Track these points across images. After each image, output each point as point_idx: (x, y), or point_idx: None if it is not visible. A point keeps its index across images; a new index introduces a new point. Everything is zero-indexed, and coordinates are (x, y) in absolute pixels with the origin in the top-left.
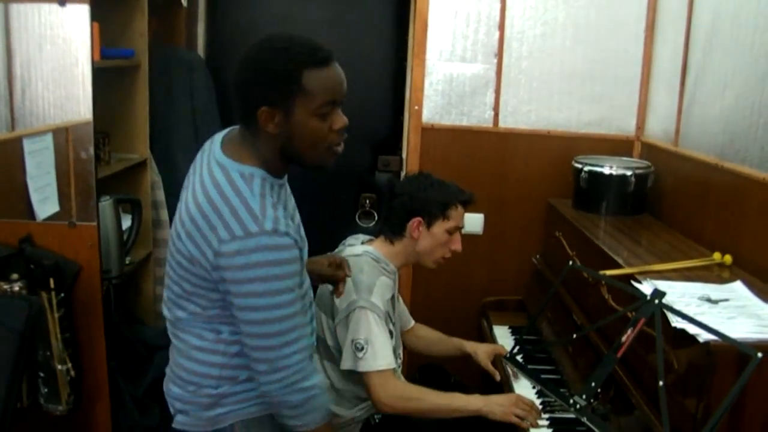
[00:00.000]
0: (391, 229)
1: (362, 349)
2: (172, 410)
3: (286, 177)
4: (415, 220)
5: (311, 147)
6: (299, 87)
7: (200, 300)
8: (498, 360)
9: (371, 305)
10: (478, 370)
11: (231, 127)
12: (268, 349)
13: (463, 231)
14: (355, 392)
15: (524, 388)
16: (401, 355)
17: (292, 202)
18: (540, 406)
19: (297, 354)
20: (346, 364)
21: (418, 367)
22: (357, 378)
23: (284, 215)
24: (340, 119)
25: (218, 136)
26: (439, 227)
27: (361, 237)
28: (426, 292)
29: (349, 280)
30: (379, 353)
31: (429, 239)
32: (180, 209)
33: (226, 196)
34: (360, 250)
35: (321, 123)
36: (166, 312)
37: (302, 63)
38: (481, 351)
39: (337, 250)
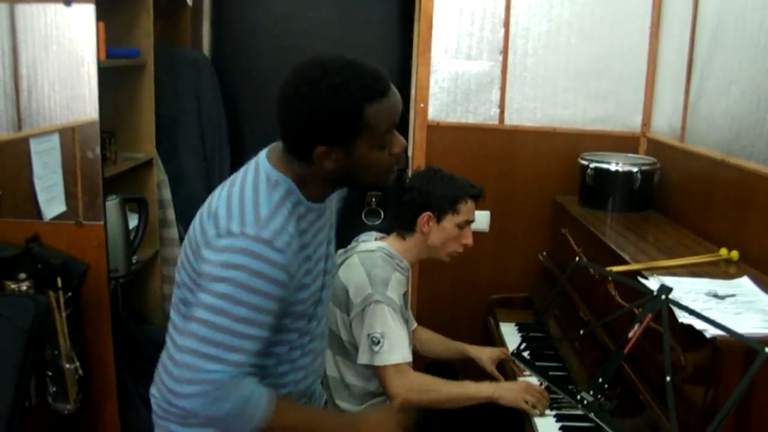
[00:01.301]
0: (401, 224)
1: (378, 342)
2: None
3: (326, 203)
4: (425, 215)
5: (372, 174)
6: (361, 124)
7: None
8: (503, 363)
9: (387, 299)
10: (482, 374)
11: (279, 143)
12: (189, 352)
13: (470, 229)
14: (367, 388)
15: None
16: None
17: (325, 233)
18: (552, 412)
19: (208, 373)
20: (362, 358)
21: (426, 365)
22: (370, 374)
23: (296, 236)
24: (399, 142)
25: (266, 149)
26: (449, 221)
27: (375, 234)
28: (432, 290)
29: (363, 275)
30: (395, 347)
31: (439, 234)
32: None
33: (243, 191)
34: (374, 246)
35: (382, 152)
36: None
37: (364, 98)
38: (485, 356)
39: (350, 247)
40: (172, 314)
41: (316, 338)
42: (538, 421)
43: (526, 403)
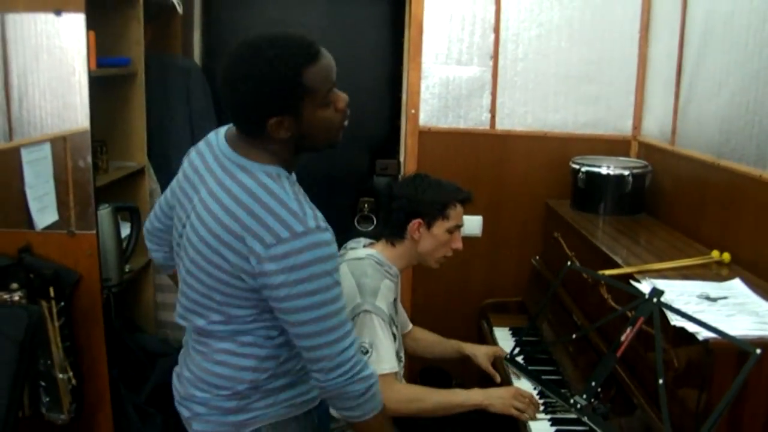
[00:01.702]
0: (391, 231)
1: (367, 352)
2: (188, 415)
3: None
4: (415, 222)
5: (324, 134)
6: (303, 88)
7: (233, 309)
8: (498, 361)
9: (376, 309)
10: (478, 372)
11: (227, 126)
12: (326, 345)
13: (462, 233)
14: None
15: (525, 388)
16: (403, 358)
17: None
18: (542, 407)
19: (353, 346)
20: None
21: (420, 370)
22: None
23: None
24: (341, 98)
25: (217, 136)
26: (440, 227)
27: (363, 240)
28: (426, 295)
29: (353, 284)
30: (383, 357)
31: (430, 240)
32: (198, 216)
33: (260, 199)
34: (363, 254)
35: (327, 110)
36: (182, 321)
37: (299, 64)
38: (480, 353)
39: (339, 254)
40: (193, 321)
41: None
42: (533, 425)
43: (516, 409)
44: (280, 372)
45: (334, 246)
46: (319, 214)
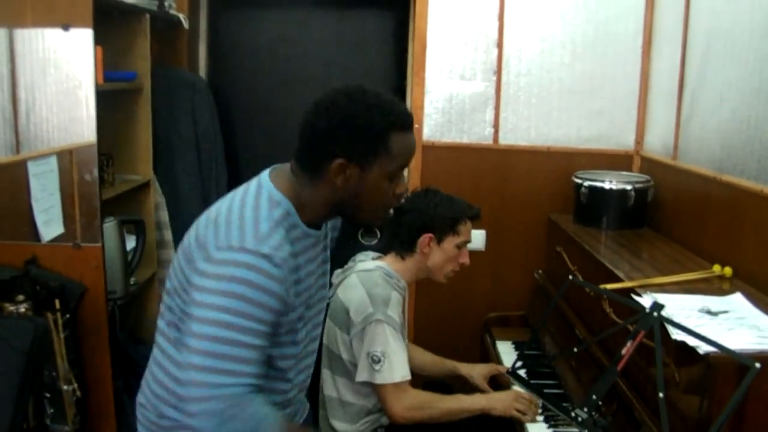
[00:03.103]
0: (401, 245)
1: (379, 361)
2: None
3: (322, 232)
4: (426, 236)
5: (374, 207)
6: (385, 147)
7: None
8: (496, 377)
9: (388, 318)
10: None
11: (283, 164)
12: (210, 371)
13: (467, 249)
14: (365, 406)
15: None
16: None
17: (316, 263)
18: (540, 408)
19: (235, 389)
20: (361, 376)
21: (422, 384)
22: (368, 391)
23: (291, 256)
24: (403, 185)
25: (270, 169)
26: (450, 242)
27: (371, 254)
28: (429, 309)
29: (364, 294)
30: (395, 366)
31: (440, 254)
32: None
33: (243, 208)
34: (372, 266)
35: (389, 185)
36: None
37: (393, 124)
38: (476, 373)
39: (347, 266)
40: (160, 323)
41: (302, 359)
42: (531, 425)
43: (517, 411)
44: None
45: (274, 283)
46: (284, 254)
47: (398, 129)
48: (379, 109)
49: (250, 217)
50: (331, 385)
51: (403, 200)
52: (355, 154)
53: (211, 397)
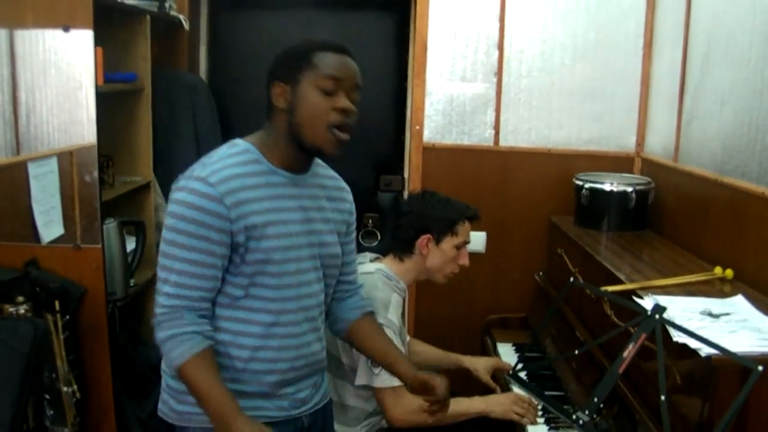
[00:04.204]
0: (399, 247)
1: (378, 365)
2: None
3: (306, 176)
4: (425, 238)
5: (310, 122)
6: (308, 62)
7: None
8: (499, 374)
9: (388, 322)
10: (479, 385)
11: None
12: (159, 281)
13: (467, 250)
14: (365, 409)
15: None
16: None
17: (305, 206)
18: (542, 420)
19: (164, 297)
20: (361, 379)
21: None
22: (368, 395)
23: (239, 177)
24: (343, 100)
25: None
26: (448, 243)
27: (369, 255)
28: (429, 310)
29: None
30: None
31: (438, 255)
32: None
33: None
34: (372, 268)
35: (322, 98)
36: None
37: (317, 45)
38: (480, 366)
39: None
40: None
41: (301, 313)
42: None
43: (516, 414)
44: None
45: (205, 201)
46: (223, 174)
47: (324, 50)
48: (307, 40)
49: (205, 158)
50: (332, 388)
51: (351, 119)
52: (286, 75)
53: (157, 305)
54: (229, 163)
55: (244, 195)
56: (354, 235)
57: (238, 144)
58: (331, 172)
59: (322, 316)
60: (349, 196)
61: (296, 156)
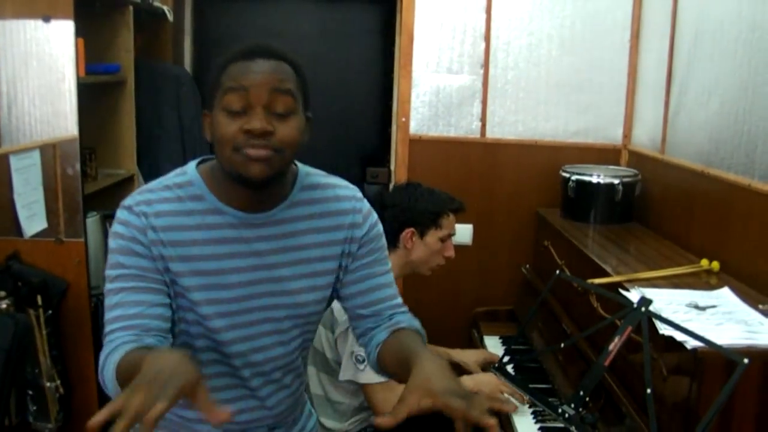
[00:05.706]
0: None
1: (363, 361)
2: None
3: (274, 210)
4: (408, 231)
5: (220, 150)
6: (218, 81)
7: None
8: (488, 367)
9: None
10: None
11: None
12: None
13: (452, 242)
14: (352, 405)
15: None
16: None
17: (252, 251)
18: (529, 411)
19: (108, 324)
20: (345, 374)
21: None
22: (354, 390)
23: (172, 215)
24: (253, 121)
25: None
26: (432, 236)
27: None
28: (416, 303)
29: None
30: None
31: (423, 249)
32: None
33: None
34: None
35: (229, 120)
36: None
37: (228, 57)
38: (470, 360)
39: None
40: None
41: (246, 369)
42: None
43: (504, 394)
44: None
45: (127, 228)
46: (152, 208)
47: (230, 61)
48: (223, 54)
49: (149, 183)
50: (317, 383)
51: (265, 141)
52: (208, 102)
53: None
54: (165, 196)
55: (175, 237)
56: (375, 257)
57: (187, 173)
58: (334, 193)
59: (296, 371)
60: (351, 218)
61: (243, 192)
